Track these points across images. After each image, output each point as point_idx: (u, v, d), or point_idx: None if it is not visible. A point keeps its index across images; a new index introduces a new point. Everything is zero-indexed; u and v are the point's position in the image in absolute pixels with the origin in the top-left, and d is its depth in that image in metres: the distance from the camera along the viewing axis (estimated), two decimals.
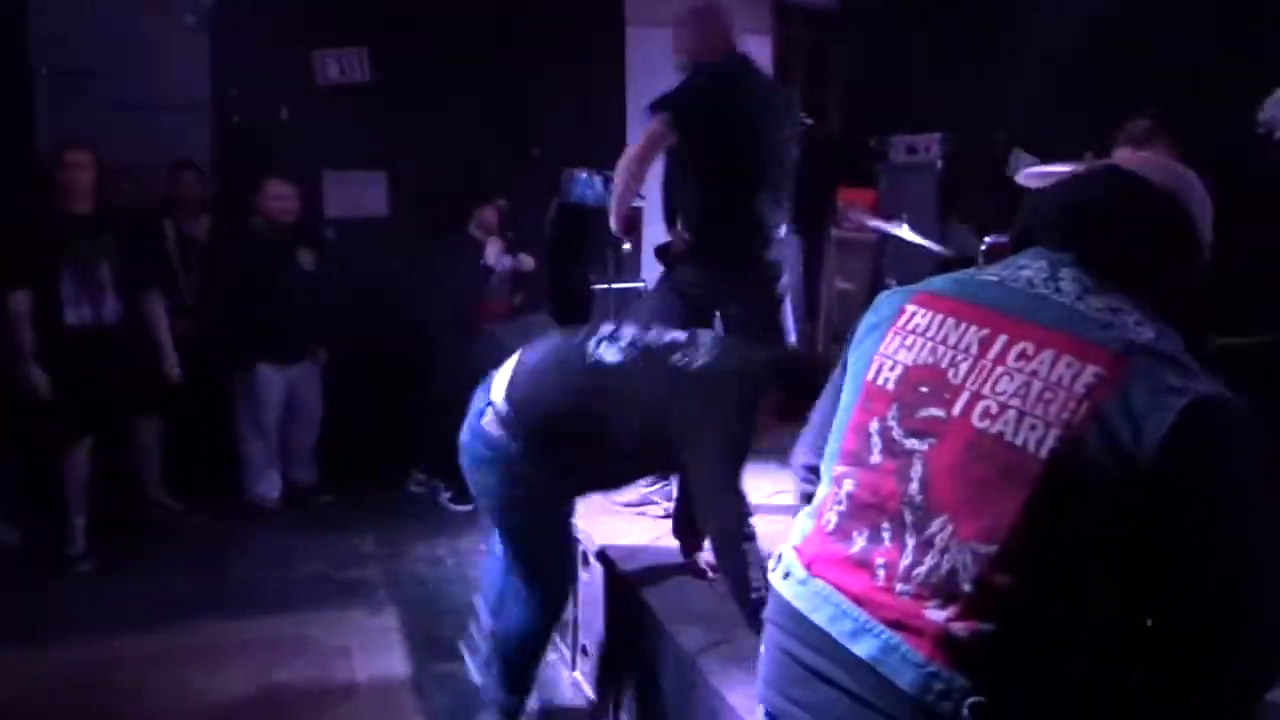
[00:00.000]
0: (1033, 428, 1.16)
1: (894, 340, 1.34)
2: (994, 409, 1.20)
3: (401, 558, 4.49)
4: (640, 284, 6.14)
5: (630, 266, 6.03)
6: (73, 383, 4.14)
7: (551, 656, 3.27)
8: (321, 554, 4.47)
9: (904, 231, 4.69)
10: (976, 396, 1.23)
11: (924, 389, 1.28)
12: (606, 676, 3.11)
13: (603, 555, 3.11)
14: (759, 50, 6.55)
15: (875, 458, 1.30)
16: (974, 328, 1.28)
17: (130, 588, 4.09)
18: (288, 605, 3.92)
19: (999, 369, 1.22)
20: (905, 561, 1.23)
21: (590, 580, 3.18)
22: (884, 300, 1.43)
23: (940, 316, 1.31)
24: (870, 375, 1.35)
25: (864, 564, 1.27)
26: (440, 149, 5.78)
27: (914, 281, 1.45)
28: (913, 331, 1.32)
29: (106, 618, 3.77)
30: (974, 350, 1.26)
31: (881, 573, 1.25)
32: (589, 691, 3.22)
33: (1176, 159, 3.02)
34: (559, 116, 6.22)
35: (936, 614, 1.18)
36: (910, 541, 1.23)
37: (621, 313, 5.94)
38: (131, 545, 4.54)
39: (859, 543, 1.29)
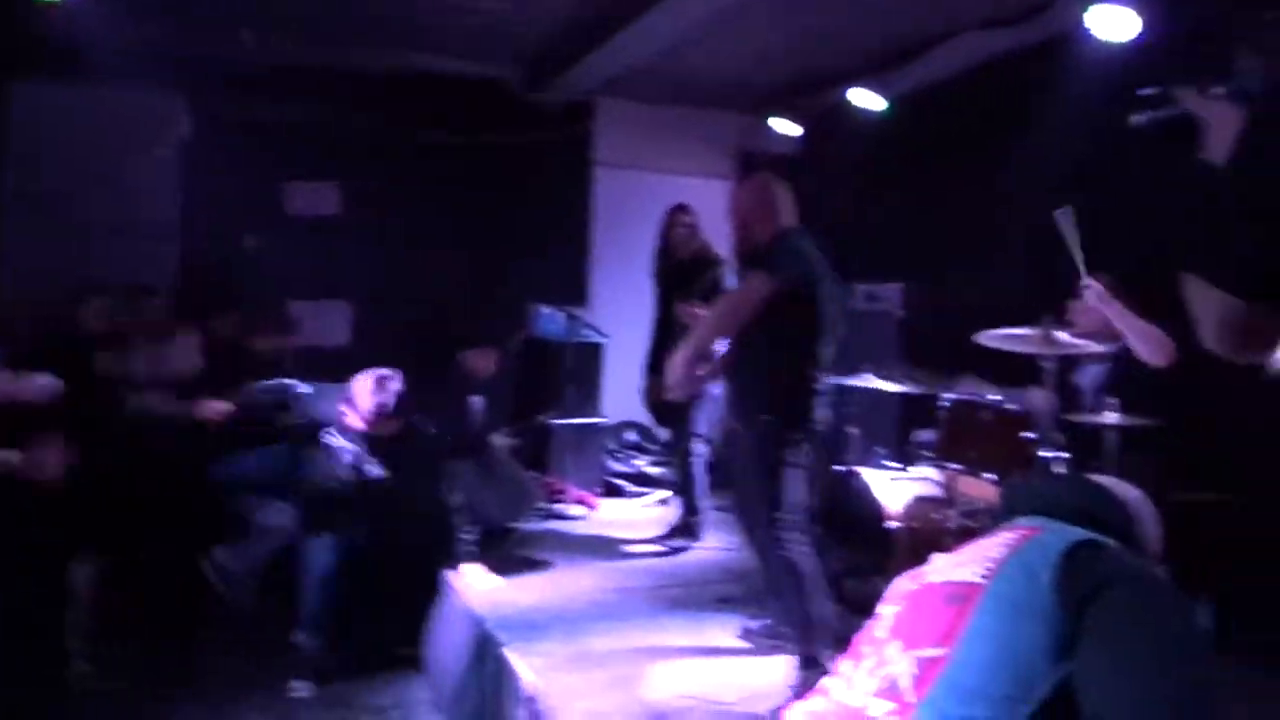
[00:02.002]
0: (969, 566, 1.50)
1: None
2: (943, 570, 1.54)
3: None
4: (602, 419, 6.12)
5: (590, 402, 6.03)
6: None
7: None
8: None
9: (868, 380, 4.58)
10: (931, 572, 1.57)
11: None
12: None
13: None
14: (718, 195, 6.72)
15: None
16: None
17: None
18: None
19: (951, 558, 1.57)
20: (863, 689, 1.46)
21: None
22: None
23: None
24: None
25: None
26: (406, 282, 5.84)
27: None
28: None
29: None
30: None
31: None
32: None
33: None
34: (524, 254, 6.31)
35: (876, 712, 1.40)
36: (868, 677, 1.47)
37: (582, 448, 5.95)
38: None
39: None
